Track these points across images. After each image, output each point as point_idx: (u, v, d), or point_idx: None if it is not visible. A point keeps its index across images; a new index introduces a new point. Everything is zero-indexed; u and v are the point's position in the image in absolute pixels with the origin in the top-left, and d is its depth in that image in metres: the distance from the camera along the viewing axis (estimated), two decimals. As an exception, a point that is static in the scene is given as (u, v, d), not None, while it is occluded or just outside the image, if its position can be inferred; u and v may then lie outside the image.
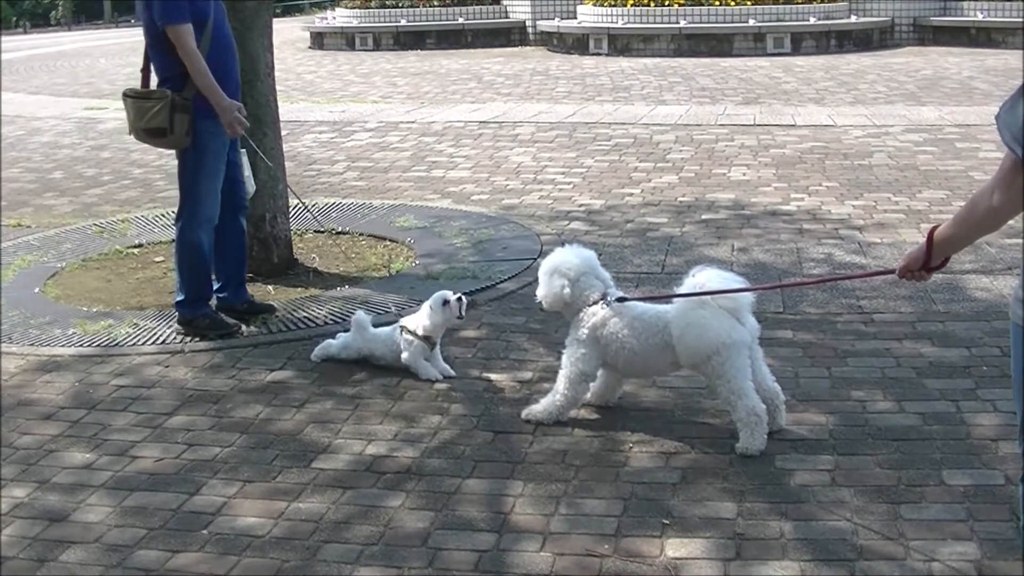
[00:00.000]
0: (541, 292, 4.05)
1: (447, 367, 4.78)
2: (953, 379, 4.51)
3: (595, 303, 4.08)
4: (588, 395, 4.32)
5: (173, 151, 5.33)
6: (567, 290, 4.02)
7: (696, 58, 16.65)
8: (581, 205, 7.95)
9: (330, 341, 5.00)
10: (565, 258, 4.11)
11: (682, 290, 3.98)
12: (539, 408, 4.24)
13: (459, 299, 4.70)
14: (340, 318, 5.52)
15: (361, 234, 7.31)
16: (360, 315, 4.91)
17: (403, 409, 4.44)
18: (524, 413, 4.28)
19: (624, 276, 6.18)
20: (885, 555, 3.22)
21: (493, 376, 4.76)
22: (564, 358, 4.18)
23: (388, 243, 7.13)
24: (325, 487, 3.77)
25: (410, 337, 4.71)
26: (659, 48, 17.46)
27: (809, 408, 4.32)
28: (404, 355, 4.73)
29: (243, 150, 5.58)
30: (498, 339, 5.23)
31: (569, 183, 8.74)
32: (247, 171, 5.62)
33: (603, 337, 4.07)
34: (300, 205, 7.66)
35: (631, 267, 6.36)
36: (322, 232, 7.31)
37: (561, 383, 4.17)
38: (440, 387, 4.66)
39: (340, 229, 7.36)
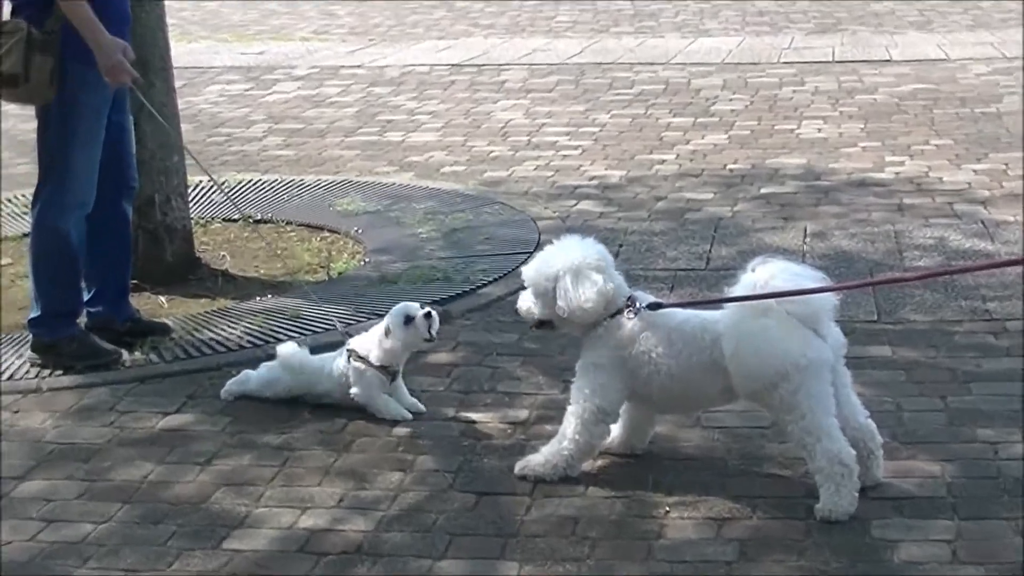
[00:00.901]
0: (562, 301, 4.09)
1: (415, 401, 4.82)
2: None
3: (618, 312, 4.08)
4: (608, 440, 4.32)
5: (29, 106, 5.31)
6: (611, 284, 4.06)
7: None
8: (593, 178, 7.98)
9: (249, 373, 5.01)
10: (583, 250, 4.14)
11: (736, 292, 3.98)
12: (539, 460, 4.24)
13: (428, 315, 4.71)
14: (261, 339, 5.52)
15: (289, 223, 7.28)
16: (287, 349, 4.95)
17: (350, 463, 4.44)
18: (519, 467, 4.28)
19: (654, 274, 6.17)
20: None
21: (475, 416, 4.77)
22: (574, 390, 4.19)
23: (326, 235, 7.10)
24: None
25: (361, 366, 4.74)
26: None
27: (918, 454, 4.31)
28: (355, 390, 4.75)
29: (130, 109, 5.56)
30: (480, 364, 5.23)
31: (576, 147, 8.77)
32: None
33: (632, 358, 4.08)
34: (206, 183, 7.66)
35: (664, 262, 6.35)
36: (235, 221, 7.27)
37: (570, 424, 4.17)
38: (402, 431, 4.66)
39: (260, 216, 7.32)
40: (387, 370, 4.73)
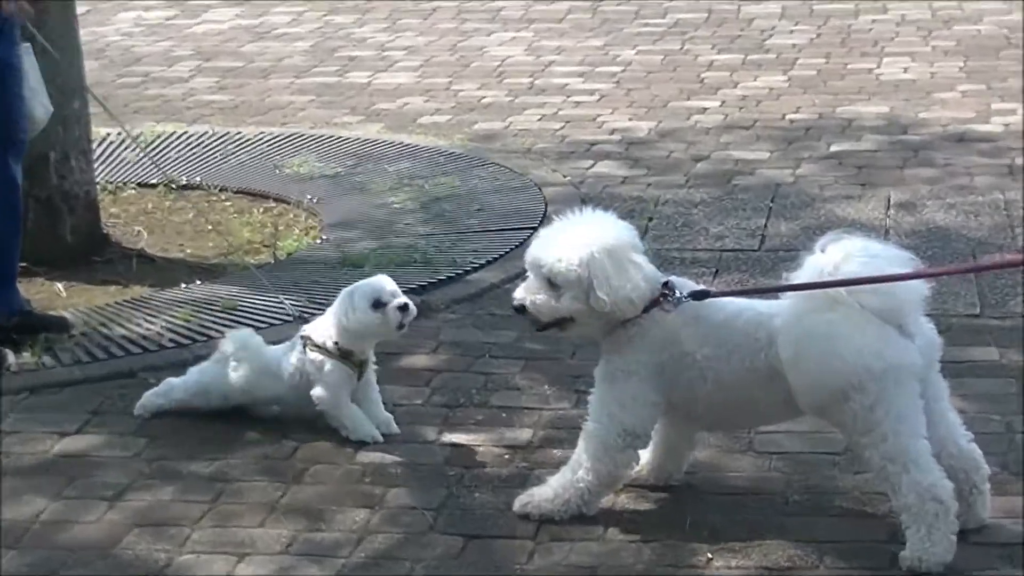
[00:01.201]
0: (603, 292, 4.10)
1: (388, 419, 4.83)
2: None
3: (653, 305, 4.06)
4: (635, 469, 4.33)
5: None
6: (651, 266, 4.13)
7: None
8: (614, 131, 8.00)
9: (172, 381, 5.02)
10: (614, 228, 4.14)
11: (799, 278, 3.99)
12: (547, 494, 4.24)
13: (403, 307, 4.72)
14: (187, 337, 5.53)
15: (223, 189, 7.33)
16: (241, 335, 4.95)
17: (303, 498, 4.44)
18: (519, 503, 4.28)
19: (694, 256, 6.20)
20: None
21: (462, 437, 4.79)
22: (594, 404, 4.19)
23: (272, 205, 7.14)
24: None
25: (319, 356, 4.76)
26: None
27: (1033, 487, 4.37)
28: (317, 391, 4.78)
29: (27, 45, 5.57)
30: (470, 370, 5.25)
31: (592, 92, 8.79)
32: (35, 82, 5.61)
33: (671, 362, 4.09)
34: (116, 137, 7.68)
35: (706, 240, 6.39)
36: (153, 186, 7.29)
37: (588, 448, 4.16)
38: (369, 457, 4.67)
39: (185, 180, 7.35)
40: (352, 359, 4.76)
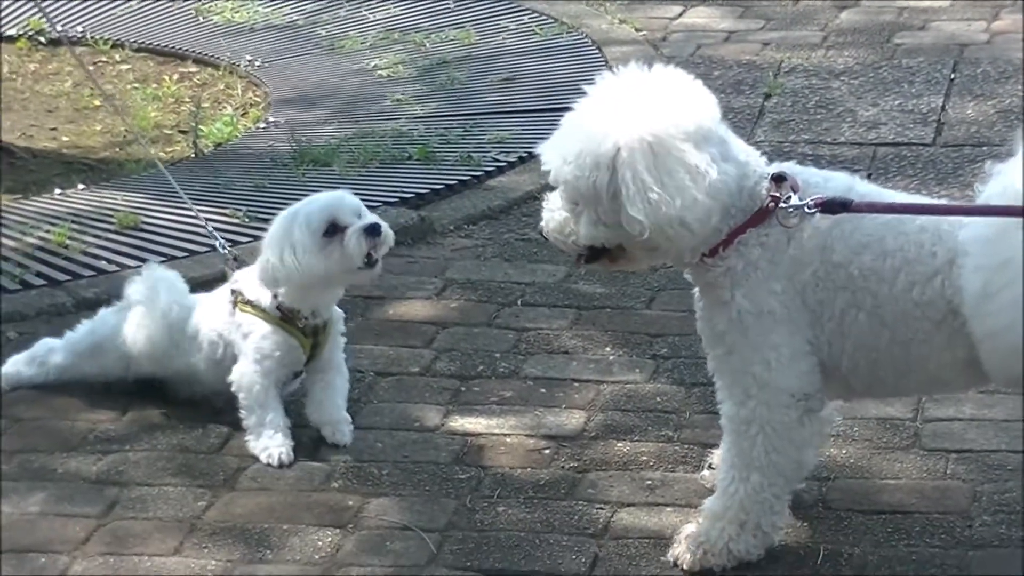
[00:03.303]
0: (633, 208, 4.00)
1: (341, 419, 4.83)
2: None
3: (760, 214, 4.03)
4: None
5: None
6: (725, 168, 4.00)
7: None
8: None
9: (50, 342, 5.09)
10: (666, 96, 4.05)
11: (988, 196, 4.01)
12: (715, 529, 4.22)
13: (371, 229, 4.66)
14: (67, 272, 5.59)
15: (119, 44, 7.46)
16: (156, 273, 4.96)
17: (238, 512, 4.46)
18: (677, 554, 4.26)
19: (833, 152, 6.25)
20: None
21: (479, 423, 4.82)
22: (722, 373, 4.22)
23: (192, 68, 7.25)
24: None
25: (249, 318, 4.80)
26: None
27: None
28: (239, 365, 4.80)
29: None
30: (492, 324, 5.32)
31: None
32: None
33: (815, 281, 4.10)
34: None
35: (854, 128, 6.45)
36: (13, 40, 7.45)
37: (744, 440, 4.18)
38: (338, 452, 4.71)
39: (62, 31, 7.42)
40: (299, 323, 4.78)
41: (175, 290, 4.97)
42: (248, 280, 4.82)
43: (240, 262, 4.98)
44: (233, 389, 4.80)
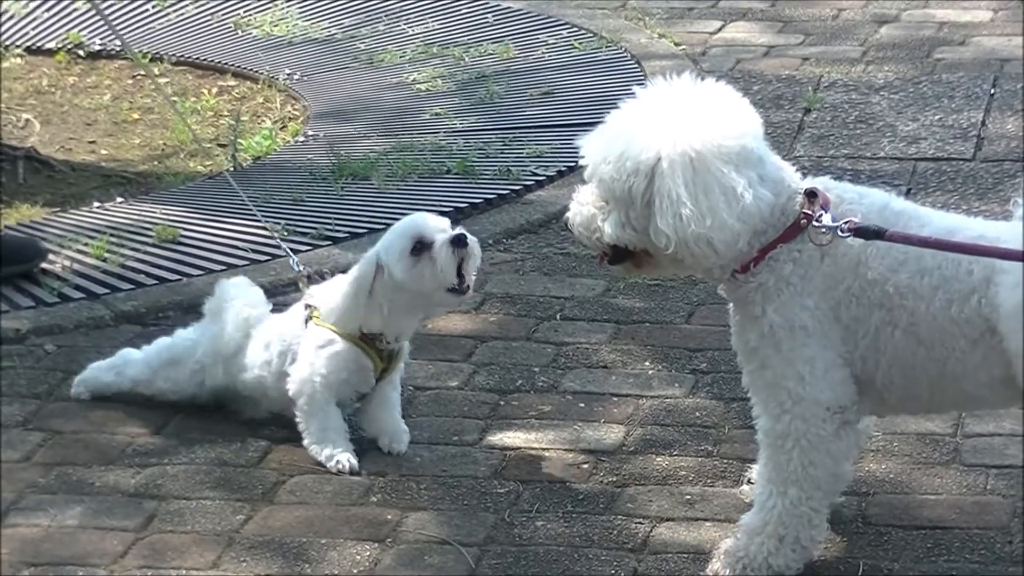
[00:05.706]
0: (662, 221, 3.97)
1: (400, 430, 4.84)
2: None
3: (792, 230, 4.01)
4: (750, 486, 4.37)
5: None
6: (761, 192, 3.99)
7: None
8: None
9: (129, 353, 5.08)
10: (717, 121, 4.04)
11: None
12: (754, 544, 4.21)
13: (459, 240, 4.61)
14: (106, 286, 5.58)
15: (158, 58, 7.40)
16: (232, 283, 4.98)
17: (276, 526, 4.46)
18: (716, 569, 4.26)
19: (873, 167, 6.22)
20: None
21: (518, 437, 4.82)
22: (758, 389, 4.21)
23: (232, 82, 7.23)
24: None
25: (326, 334, 4.78)
26: None
27: None
28: (297, 367, 4.78)
29: None
30: (530, 339, 5.30)
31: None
32: None
33: (849, 298, 4.09)
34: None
35: (893, 142, 6.41)
36: (51, 53, 7.41)
37: (780, 454, 4.17)
38: (377, 466, 4.70)
39: (100, 46, 7.46)
40: (377, 343, 4.78)
41: (249, 293, 4.99)
42: (324, 296, 4.83)
43: (314, 279, 4.98)
44: (292, 394, 4.79)
